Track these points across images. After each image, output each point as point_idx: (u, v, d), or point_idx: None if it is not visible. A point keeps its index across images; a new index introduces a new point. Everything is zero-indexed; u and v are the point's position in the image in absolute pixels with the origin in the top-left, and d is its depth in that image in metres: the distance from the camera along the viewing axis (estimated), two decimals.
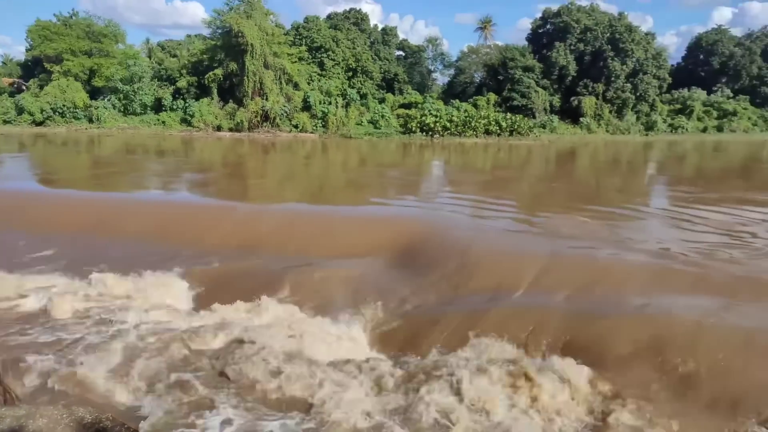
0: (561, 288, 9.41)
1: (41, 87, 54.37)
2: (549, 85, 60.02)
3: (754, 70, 69.03)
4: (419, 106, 58.81)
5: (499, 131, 54.18)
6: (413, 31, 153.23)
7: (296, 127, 54.36)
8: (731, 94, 68.82)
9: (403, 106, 60.63)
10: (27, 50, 59.63)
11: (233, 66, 53.15)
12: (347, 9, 68.96)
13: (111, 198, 17.90)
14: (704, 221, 15.66)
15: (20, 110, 51.21)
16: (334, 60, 60.81)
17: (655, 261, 10.82)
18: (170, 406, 6.64)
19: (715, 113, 66.24)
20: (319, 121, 55.24)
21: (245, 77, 53.09)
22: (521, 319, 8.40)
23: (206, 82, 54.14)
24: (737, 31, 73.86)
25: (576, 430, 6.47)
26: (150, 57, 63.07)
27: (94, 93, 55.73)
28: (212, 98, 54.65)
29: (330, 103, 56.09)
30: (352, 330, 8.72)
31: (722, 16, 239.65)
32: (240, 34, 51.39)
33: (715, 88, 69.31)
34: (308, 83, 58.40)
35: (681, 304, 8.60)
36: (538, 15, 67.08)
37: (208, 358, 7.86)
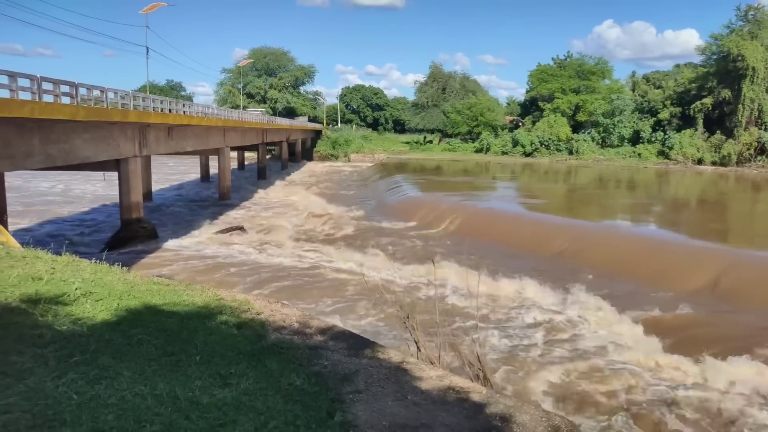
0: None
1: (534, 123, 62.20)
2: None
3: None
4: None
5: None
6: None
7: None
8: None
9: None
10: (527, 91, 69.35)
11: (726, 93, 47.61)
12: None
13: (579, 225, 19.06)
14: None
15: (515, 143, 59.99)
16: None
17: None
18: None
19: None
20: None
21: (740, 105, 46.74)
22: None
23: (691, 112, 50.37)
24: None
25: None
26: (633, 90, 63.18)
27: (577, 127, 59.95)
28: (696, 129, 50.44)
29: None
30: None
31: None
32: (739, 58, 45.60)
33: None
34: None
35: None
36: None
37: None
